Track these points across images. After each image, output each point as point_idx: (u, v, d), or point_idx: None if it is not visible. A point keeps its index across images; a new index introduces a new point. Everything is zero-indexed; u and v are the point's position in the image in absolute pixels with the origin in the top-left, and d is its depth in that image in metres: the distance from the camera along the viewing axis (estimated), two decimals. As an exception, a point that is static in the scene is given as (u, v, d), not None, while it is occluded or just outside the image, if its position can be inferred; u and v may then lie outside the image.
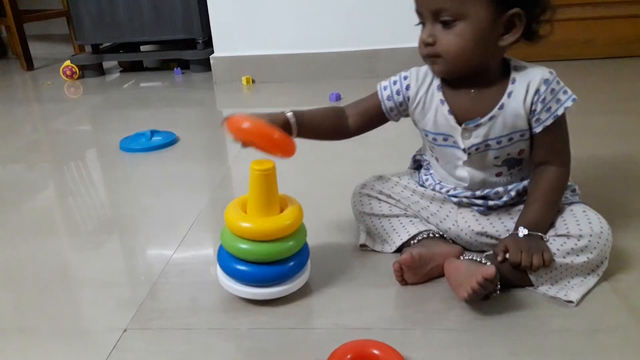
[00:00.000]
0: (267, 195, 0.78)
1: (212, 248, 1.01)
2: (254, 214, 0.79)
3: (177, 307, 0.83)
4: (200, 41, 2.49)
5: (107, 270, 0.96)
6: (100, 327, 0.80)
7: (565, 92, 0.79)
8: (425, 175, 0.95)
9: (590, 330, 0.72)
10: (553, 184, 0.82)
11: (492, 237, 0.87)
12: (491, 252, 0.82)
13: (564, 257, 0.78)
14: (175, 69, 2.61)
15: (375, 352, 0.67)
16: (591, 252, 0.78)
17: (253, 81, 2.32)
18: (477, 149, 0.83)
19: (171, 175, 1.40)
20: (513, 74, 0.80)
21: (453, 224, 0.90)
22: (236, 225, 0.79)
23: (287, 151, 0.76)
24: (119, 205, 1.25)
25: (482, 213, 0.88)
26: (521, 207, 0.85)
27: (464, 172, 0.86)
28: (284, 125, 0.82)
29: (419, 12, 0.78)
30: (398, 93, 0.87)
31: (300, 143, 0.79)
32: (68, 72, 2.60)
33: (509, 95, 0.79)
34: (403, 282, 0.83)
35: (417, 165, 0.99)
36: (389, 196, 0.94)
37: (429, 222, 0.92)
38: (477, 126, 0.81)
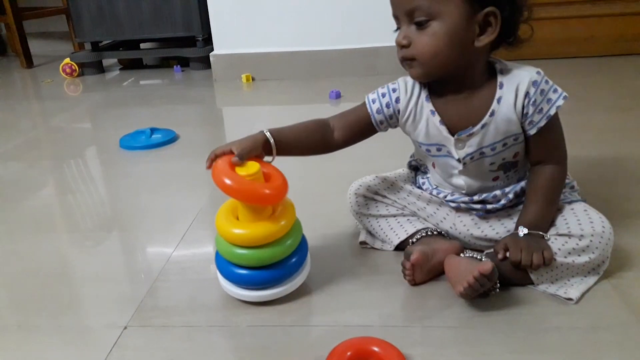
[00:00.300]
0: None
1: (212, 246, 1.01)
2: (247, 219, 0.78)
3: (177, 304, 0.83)
4: (200, 39, 2.49)
5: (107, 267, 0.96)
6: (101, 325, 0.80)
7: (555, 91, 0.78)
8: (422, 178, 0.94)
9: (590, 328, 0.72)
10: (551, 183, 0.81)
11: (492, 240, 0.87)
12: (491, 250, 0.82)
13: (566, 257, 0.77)
14: (175, 66, 2.61)
15: (375, 349, 0.67)
16: (593, 252, 0.77)
17: (253, 79, 2.31)
18: (471, 158, 0.82)
19: (171, 172, 1.40)
20: (500, 78, 0.78)
21: (451, 227, 0.90)
22: (230, 234, 0.77)
23: (277, 199, 0.77)
24: (118, 203, 1.25)
25: (482, 217, 0.87)
26: (521, 207, 0.84)
27: (460, 180, 0.86)
28: (265, 145, 0.81)
29: (395, 16, 0.78)
30: (388, 106, 0.85)
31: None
32: (68, 70, 2.60)
33: (499, 101, 0.78)
34: (413, 281, 0.82)
35: (414, 167, 0.98)
36: (385, 197, 0.93)
37: (427, 221, 0.91)
38: (470, 135, 0.80)
